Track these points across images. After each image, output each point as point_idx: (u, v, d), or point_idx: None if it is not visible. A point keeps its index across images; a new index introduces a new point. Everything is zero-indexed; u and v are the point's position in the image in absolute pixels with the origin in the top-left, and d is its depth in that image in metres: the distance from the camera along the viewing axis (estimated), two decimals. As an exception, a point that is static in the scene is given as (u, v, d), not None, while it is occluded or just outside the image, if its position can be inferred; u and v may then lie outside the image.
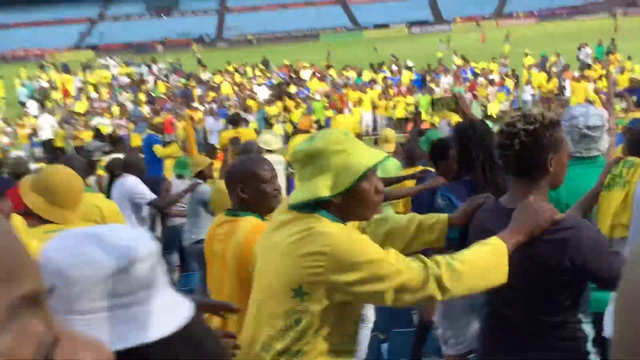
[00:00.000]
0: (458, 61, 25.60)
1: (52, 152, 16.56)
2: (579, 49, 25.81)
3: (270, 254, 2.07)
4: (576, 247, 2.02)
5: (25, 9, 71.38)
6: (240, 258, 2.68)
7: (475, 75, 21.70)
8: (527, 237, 2.00)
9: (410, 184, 4.84)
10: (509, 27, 61.54)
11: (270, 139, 7.40)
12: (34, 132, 17.81)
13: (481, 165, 3.23)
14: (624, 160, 3.14)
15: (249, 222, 2.74)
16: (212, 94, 20.56)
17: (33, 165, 7.62)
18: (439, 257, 1.97)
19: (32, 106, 25.67)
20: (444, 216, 2.42)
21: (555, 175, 2.15)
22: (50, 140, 16.84)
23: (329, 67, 27.23)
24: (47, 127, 17.08)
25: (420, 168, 5.02)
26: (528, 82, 19.64)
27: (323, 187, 1.97)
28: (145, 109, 18.23)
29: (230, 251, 2.74)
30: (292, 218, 2.03)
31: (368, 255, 1.91)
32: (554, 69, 21.92)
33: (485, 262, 1.96)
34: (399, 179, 4.88)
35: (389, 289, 1.91)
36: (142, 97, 21.53)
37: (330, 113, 16.10)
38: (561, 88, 19.62)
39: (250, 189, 2.79)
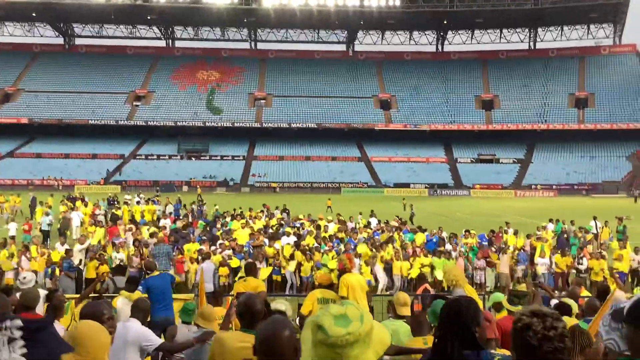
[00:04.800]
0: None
1: (80, 282, 16.59)
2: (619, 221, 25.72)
3: None
4: None
5: (61, 142, 74.95)
6: None
7: (490, 242, 21.76)
8: None
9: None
10: (527, 198, 62.89)
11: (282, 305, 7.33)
12: (51, 261, 17.83)
13: (451, 341, 3.15)
14: None
15: None
16: (228, 240, 20.75)
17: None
18: None
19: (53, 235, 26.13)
20: None
21: None
22: (79, 269, 16.98)
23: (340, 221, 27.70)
24: (77, 256, 17.24)
25: (429, 338, 4.93)
26: (543, 255, 19.49)
27: None
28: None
29: None
30: None
31: None
32: (575, 243, 21.86)
33: None
34: (406, 351, 4.77)
35: None
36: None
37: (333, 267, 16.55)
38: (578, 264, 19.44)
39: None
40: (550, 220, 26.26)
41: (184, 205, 35.27)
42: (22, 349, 1.75)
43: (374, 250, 18.71)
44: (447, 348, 3.12)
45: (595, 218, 26.55)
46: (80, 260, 17.42)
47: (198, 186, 58.90)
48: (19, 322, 1.78)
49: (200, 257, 16.94)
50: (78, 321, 3.81)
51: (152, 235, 20.05)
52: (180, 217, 28.58)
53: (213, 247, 18.76)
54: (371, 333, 2.01)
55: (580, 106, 78.78)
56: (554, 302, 8.58)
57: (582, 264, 18.51)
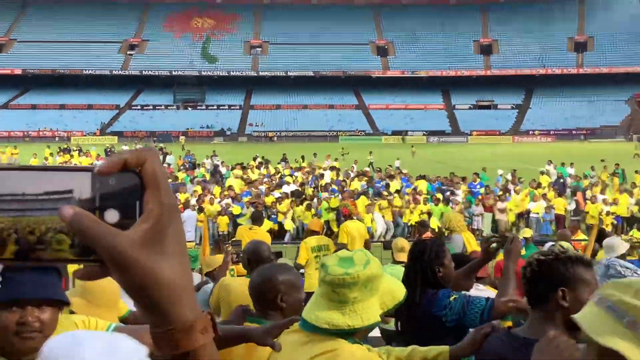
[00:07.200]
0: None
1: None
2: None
3: None
4: None
5: (56, 92, 74.19)
6: None
7: (487, 188, 21.81)
8: None
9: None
10: (525, 143, 62.81)
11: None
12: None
13: (414, 280, 3.30)
14: None
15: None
16: (226, 190, 20.77)
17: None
18: None
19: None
20: (445, 349, 2.37)
21: (573, 311, 2.15)
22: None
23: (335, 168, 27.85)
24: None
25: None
26: (536, 199, 19.44)
27: (376, 312, 1.94)
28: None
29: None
30: (308, 340, 1.98)
31: None
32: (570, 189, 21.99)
33: None
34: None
35: None
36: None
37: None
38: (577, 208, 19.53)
39: (290, 298, 2.84)
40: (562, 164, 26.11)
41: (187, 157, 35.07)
42: None
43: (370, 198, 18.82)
44: (411, 286, 3.24)
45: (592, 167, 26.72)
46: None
47: (182, 137, 58.06)
48: None
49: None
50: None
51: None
52: (180, 169, 28.45)
53: (209, 196, 18.78)
54: (376, 281, 1.96)
55: (580, 50, 77.88)
56: (548, 245, 8.67)
57: (571, 205, 18.84)
